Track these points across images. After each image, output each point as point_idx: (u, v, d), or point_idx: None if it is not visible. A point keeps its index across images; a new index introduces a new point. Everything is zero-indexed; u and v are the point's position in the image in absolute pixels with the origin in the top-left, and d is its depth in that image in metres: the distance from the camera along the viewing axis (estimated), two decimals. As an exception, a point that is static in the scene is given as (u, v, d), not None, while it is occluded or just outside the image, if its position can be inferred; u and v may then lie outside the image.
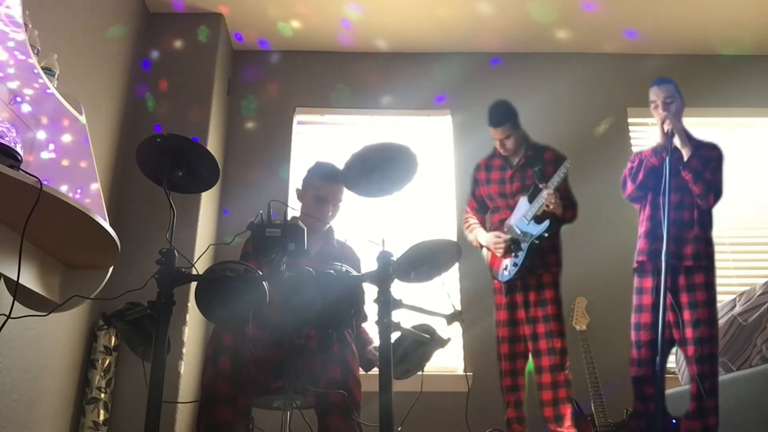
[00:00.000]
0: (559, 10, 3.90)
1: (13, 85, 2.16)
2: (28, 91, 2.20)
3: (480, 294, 3.33)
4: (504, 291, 2.88)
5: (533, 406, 2.76)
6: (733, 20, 4.01)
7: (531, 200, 2.81)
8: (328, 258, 2.26)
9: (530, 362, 2.81)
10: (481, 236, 2.98)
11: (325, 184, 2.40)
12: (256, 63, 4.23)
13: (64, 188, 2.33)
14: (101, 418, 2.88)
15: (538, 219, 2.77)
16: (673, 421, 2.53)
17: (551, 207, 2.72)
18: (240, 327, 2.01)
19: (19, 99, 2.22)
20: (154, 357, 1.67)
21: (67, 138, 2.40)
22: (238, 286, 1.75)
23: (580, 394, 2.99)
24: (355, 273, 1.88)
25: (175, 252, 1.78)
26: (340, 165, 1.95)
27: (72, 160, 2.39)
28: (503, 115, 2.89)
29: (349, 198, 2.32)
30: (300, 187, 2.51)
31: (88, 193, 2.36)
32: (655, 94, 2.74)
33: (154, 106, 3.67)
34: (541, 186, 2.76)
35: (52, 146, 2.38)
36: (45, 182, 1.72)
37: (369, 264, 1.90)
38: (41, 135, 2.37)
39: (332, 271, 1.81)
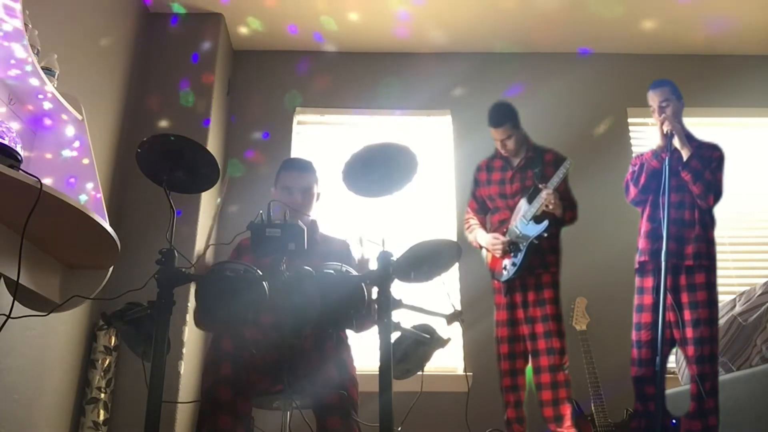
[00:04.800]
0: (559, 10, 3.90)
1: (12, 83, 2.16)
2: (26, 91, 2.21)
3: (480, 294, 3.33)
4: (503, 291, 2.88)
5: (533, 406, 2.76)
6: (733, 20, 4.01)
7: (530, 201, 2.82)
8: (312, 252, 2.25)
9: (529, 365, 2.81)
10: (481, 237, 2.99)
11: (286, 173, 2.43)
12: (256, 63, 4.24)
13: (63, 188, 2.33)
14: (101, 418, 2.88)
15: (537, 219, 2.77)
16: (674, 421, 2.53)
17: (550, 207, 2.72)
18: (239, 330, 2.01)
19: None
20: (154, 357, 1.67)
21: (67, 138, 2.41)
22: (238, 286, 1.75)
23: (580, 394, 2.99)
24: (354, 273, 1.88)
25: (175, 252, 1.78)
26: (340, 165, 1.94)
27: (72, 159, 2.39)
28: (503, 116, 2.90)
29: (349, 198, 2.32)
30: (272, 187, 2.52)
31: (88, 193, 2.36)
32: (651, 99, 2.76)
33: (155, 106, 3.67)
34: (540, 186, 2.77)
35: (51, 146, 2.38)
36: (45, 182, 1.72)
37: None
38: (41, 135, 2.37)
39: (332, 271, 1.81)
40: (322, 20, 3.98)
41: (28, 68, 2.09)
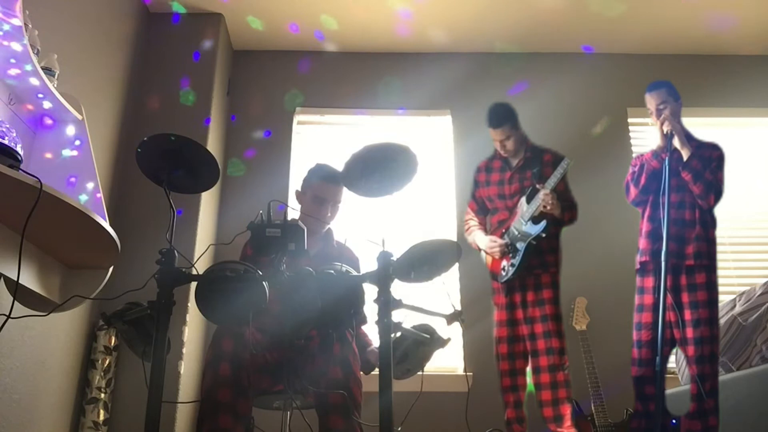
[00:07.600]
0: (559, 11, 3.90)
1: (12, 83, 2.16)
2: (26, 90, 2.21)
3: (480, 294, 3.33)
4: (503, 291, 2.88)
5: (533, 406, 2.76)
6: (733, 20, 4.01)
7: (529, 201, 2.82)
8: (327, 259, 2.26)
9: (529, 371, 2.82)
10: (479, 239, 2.99)
11: (323, 184, 2.40)
12: (256, 63, 4.24)
13: (63, 188, 2.33)
14: (101, 418, 2.88)
15: (535, 220, 2.77)
16: (674, 421, 2.53)
17: (548, 208, 2.72)
18: (240, 330, 2.01)
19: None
20: (154, 357, 1.67)
21: (67, 137, 2.41)
22: (238, 286, 1.75)
23: (580, 394, 2.99)
24: (355, 273, 1.88)
25: (175, 252, 1.78)
26: (340, 165, 1.95)
27: (72, 159, 2.39)
28: (503, 117, 2.90)
29: (349, 198, 2.32)
30: (299, 189, 2.51)
31: (88, 193, 2.36)
32: (648, 101, 2.77)
33: (155, 105, 3.67)
34: (538, 187, 2.77)
35: (51, 146, 2.38)
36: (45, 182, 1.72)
37: (369, 264, 1.90)
38: (41, 135, 2.37)
39: (332, 271, 1.81)
40: (323, 20, 3.98)
41: (28, 68, 2.09)
